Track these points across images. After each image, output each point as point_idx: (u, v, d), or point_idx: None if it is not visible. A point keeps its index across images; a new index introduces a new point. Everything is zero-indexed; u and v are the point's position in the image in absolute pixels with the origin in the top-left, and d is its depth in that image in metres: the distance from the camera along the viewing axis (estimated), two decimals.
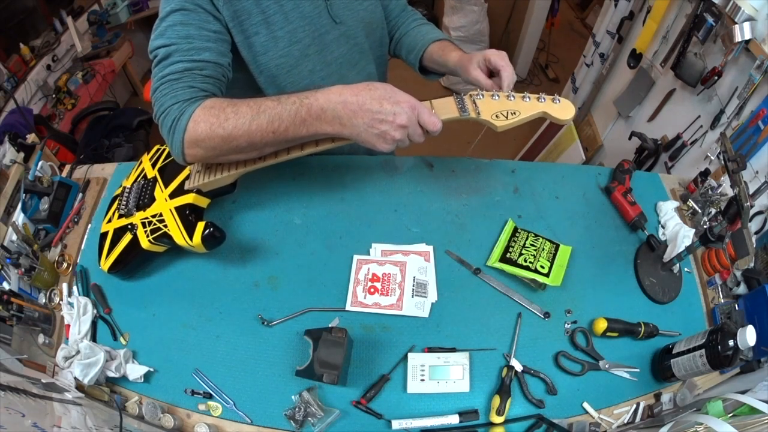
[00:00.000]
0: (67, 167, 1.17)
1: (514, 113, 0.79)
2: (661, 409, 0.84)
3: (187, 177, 0.91)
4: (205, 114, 0.72)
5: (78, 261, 1.00)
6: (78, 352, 0.84)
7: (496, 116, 0.79)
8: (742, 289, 0.96)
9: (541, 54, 3.22)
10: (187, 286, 0.94)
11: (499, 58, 0.85)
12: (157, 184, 0.95)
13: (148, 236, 0.87)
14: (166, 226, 0.86)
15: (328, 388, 0.83)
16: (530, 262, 0.93)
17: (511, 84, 0.84)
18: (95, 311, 0.91)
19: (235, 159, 0.82)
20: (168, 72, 0.75)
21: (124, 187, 1.00)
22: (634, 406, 0.85)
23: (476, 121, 0.80)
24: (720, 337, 0.76)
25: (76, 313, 0.89)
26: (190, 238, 0.82)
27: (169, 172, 0.95)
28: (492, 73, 0.88)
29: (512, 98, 0.80)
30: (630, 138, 1.60)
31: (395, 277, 0.93)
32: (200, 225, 0.83)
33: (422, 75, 1.07)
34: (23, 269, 0.92)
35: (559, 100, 0.81)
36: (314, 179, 1.07)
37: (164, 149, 1.02)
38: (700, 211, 1.06)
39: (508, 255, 0.95)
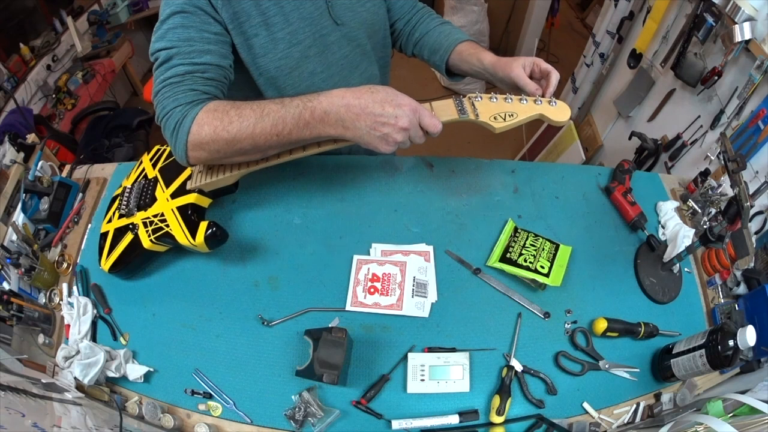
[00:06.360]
0: (67, 167, 1.17)
1: (512, 115, 0.80)
2: (661, 409, 0.84)
3: (189, 177, 0.91)
4: (208, 117, 0.73)
5: (78, 261, 1.00)
6: (78, 352, 0.84)
7: (494, 118, 0.80)
8: (742, 289, 0.96)
9: (541, 54, 3.21)
10: (187, 286, 0.94)
11: (546, 63, 0.85)
12: (158, 184, 0.95)
13: (149, 236, 0.87)
14: (168, 225, 0.86)
15: (328, 388, 0.83)
16: (530, 262, 0.93)
17: (554, 89, 0.84)
18: (95, 311, 0.91)
19: (238, 161, 0.82)
20: (169, 75, 0.75)
21: (125, 187, 1.00)
22: (634, 406, 0.85)
23: (475, 122, 0.81)
24: (720, 337, 0.76)
25: (76, 313, 0.89)
26: (193, 237, 0.83)
27: (170, 172, 0.95)
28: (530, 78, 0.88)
29: (510, 100, 0.82)
30: (630, 138, 1.60)
31: (395, 277, 0.93)
32: (203, 225, 0.83)
33: (447, 76, 1.05)
34: (23, 269, 0.92)
35: (555, 102, 0.82)
36: (314, 179, 1.07)
37: (165, 149, 1.02)
38: (700, 211, 1.06)
39: (508, 255, 0.95)
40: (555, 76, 0.84)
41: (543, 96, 0.84)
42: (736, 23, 1.15)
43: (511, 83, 0.88)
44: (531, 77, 0.87)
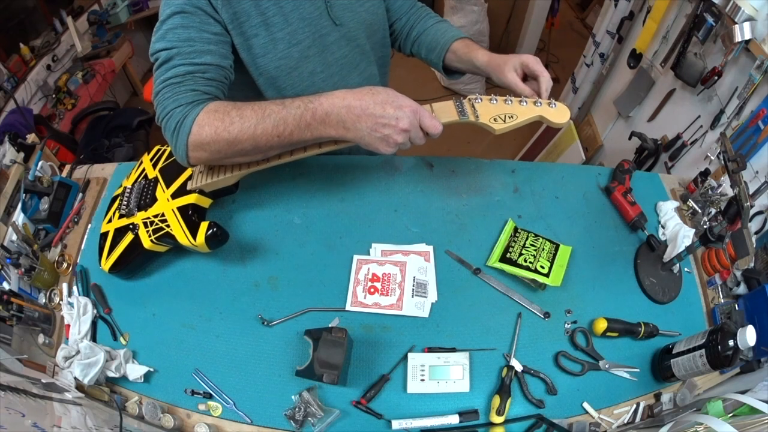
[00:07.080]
0: (67, 167, 1.17)
1: (512, 117, 0.81)
2: (661, 409, 0.84)
3: (189, 177, 0.91)
4: (209, 118, 0.73)
5: (78, 261, 1.00)
6: (78, 352, 0.84)
7: (494, 120, 0.80)
8: (742, 289, 0.96)
9: (541, 54, 3.21)
10: (187, 286, 0.94)
11: (537, 63, 0.85)
12: (159, 185, 0.95)
13: (150, 236, 0.87)
14: (168, 226, 0.86)
15: (328, 388, 0.83)
16: (530, 262, 0.93)
17: (549, 89, 0.84)
18: (95, 311, 0.91)
19: (239, 161, 0.82)
20: (170, 75, 0.75)
21: (125, 188, 1.00)
22: (634, 406, 0.85)
23: (475, 124, 0.81)
24: (720, 337, 0.76)
25: (76, 313, 0.89)
26: (194, 238, 0.83)
27: (170, 172, 0.95)
28: (524, 78, 0.88)
29: (510, 102, 0.82)
30: (630, 138, 1.60)
31: (395, 277, 0.93)
32: (203, 225, 0.83)
33: (445, 75, 1.05)
34: (23, 269, 0.92)
35: (555, 104, 0.83)
36: (314, 179, 1.07)
37: (165, 150, 1.02)
38: (700, 211, 1.06)
39: (508, 255, 0.95)
40: (545, 79, 0.84)
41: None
42: (736, 23, 1.15)
43: (508, 87, 0.88)
44: (525, 77, 0.88)
